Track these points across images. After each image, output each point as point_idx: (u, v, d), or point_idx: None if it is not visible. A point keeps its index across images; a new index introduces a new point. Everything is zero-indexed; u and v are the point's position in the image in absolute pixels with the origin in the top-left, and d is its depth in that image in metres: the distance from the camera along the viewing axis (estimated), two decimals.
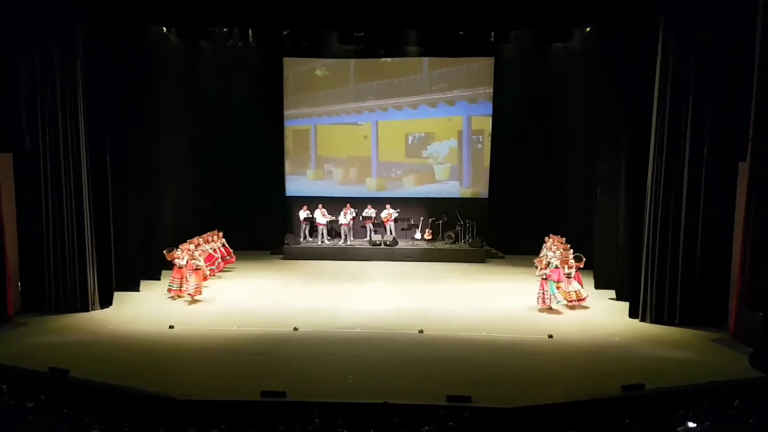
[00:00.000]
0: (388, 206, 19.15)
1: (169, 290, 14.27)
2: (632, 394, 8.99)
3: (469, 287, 15.16)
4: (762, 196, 11.34)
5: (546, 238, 15.71)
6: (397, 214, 19.07)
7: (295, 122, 19.90)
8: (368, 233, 19.14)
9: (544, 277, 13.38)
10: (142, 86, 14.93)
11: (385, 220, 19.07)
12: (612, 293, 14.54)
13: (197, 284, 13.90)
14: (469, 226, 19.05)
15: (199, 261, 14.34)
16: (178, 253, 14.35)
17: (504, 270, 14.56)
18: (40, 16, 12.47)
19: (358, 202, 19.30)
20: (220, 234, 16.85)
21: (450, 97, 19.37)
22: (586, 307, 13.62)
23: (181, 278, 14.17)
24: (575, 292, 13.46)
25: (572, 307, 13.38)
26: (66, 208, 13.02)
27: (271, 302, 14.07)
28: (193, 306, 13.78)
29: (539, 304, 13.38)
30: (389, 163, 19.96)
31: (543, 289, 13.37)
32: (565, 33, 17.57)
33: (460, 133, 19.64)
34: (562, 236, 15.61)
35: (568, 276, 13.50)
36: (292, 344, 11.55)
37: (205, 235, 16.21)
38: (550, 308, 13.32)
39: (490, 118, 19.22)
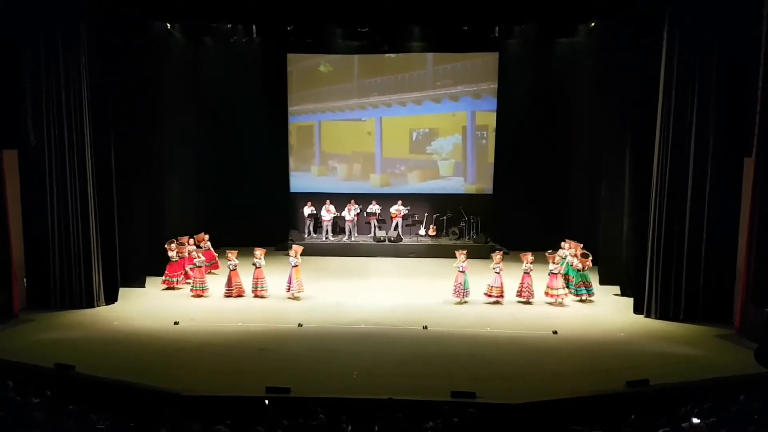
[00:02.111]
0: (399, 202, 19.11)
1: (166, 283, 14.72)
2: (637, 390, 8.99)
3: (473, 283, 15.12)
4: (767, 192, 11.30)
5: (563, 243, 15.08)
6: (406, 212, 19.05)
7: (299, 118, 19.89)
8: (372, 229, 19.14)
9: (461, 269, 13.63)
10: (146, 82, 14.92)
11: (393, 215, 19.06)
12: (617, 289, 14.53)
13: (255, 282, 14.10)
14: (473, 222, 19.02)
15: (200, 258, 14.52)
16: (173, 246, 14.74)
17: (508, 266, 14.49)
18: (44, 12, 12.50)
19: (363, 198, 19.29)
20: (206, 237, 16.12)
21: (454, 93, 19.31)
22: (589, 302, 13.75)
23: (185, 274, 14.60)
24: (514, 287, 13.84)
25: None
26: (71, 205, 13.06)
27: (276, 298, 14.09)
28: (198, 302, 13.83)
29: (456, 296, 13.74)
30: (393, 159, 19.94)
31: (457, 282, 13.72)
32: (569, 28, 17.49)
33: (464, 128, 19.59)
34: (577, 241, 14.98)
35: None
36: (296, 340, 11.58)
37: (181, 239, 15.41)
38: (465, 301, 13.73)
39: (495, 114, 19.17)
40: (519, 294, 13.78)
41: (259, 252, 14.21)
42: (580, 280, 13.92)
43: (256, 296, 14.04)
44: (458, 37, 17.97)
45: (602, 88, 15.59)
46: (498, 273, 13.64)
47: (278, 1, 15.68)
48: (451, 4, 15.72)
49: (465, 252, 13.93)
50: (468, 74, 19.21)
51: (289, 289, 14.00)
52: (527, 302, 13.70)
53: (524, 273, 13.76)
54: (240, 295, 14.08)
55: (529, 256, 13.81)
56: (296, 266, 14.05)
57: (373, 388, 9.14)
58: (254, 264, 14.07)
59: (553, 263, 13.71)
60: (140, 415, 7.90)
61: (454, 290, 13.75)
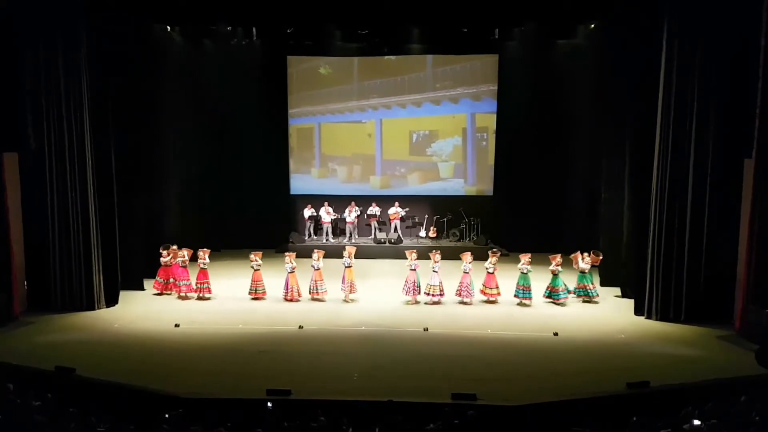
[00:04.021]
0: (396, 204, 19.10)
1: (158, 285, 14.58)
2: (638, 391, 8.98)
3: (474, 285, 15.14)
4: (767, 193, 11.29)
5: (584, 255, 14.38)
6: (404, 213, 19.03)
7: (299, 120, 19.91)
8: (373, 231, 19.11)
9: (412, 268, 13.78)
10: (146, 85, 14.95)
11: (391, 217, 19.05)
12: (617, 290, 14.52)
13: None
14: (473, 224, 19.01)
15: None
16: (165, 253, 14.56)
17: (508, 267, 14.52)
18: (44, 14, 12.50)
19: (363, 200, 19.28)
20: (173, 247, 15.33)
21: (454, 95, 19.33)
22: (594, 303, 13.77)
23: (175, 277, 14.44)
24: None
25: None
26: (71, 207, 13.06)
27: (276, 300, 14.08)
28: (199, 304, 13.83)
29: (405, 294, 13.90)
30: (393, 161, 19.94)
31: (408, 281, 13.84)
32: (569, 30, 17.50)
33: (464, 130, 19.59)
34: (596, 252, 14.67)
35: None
36: (297, 342, 11.58)
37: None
38: (417, 301, 13.86)
39: (495, 116, 19.18)
40: (458, 293, 13.85)
41: (317, 254, 14.27)
42: (581, 282, 13.95)
43: (314, 298, 14.07)
44: (458, 39, 17.99)
45: (602, 89, 15.61)
46: (436, 272, 13.73)
47: (278, 4, 15.70)
48: (450, 6, 15.74)
49: (415, 251, 14.14)
50: (468, 76, 19.21)
51: (344, 290, 14.10)
52: (464, 302, 13.78)
53: (464, 272, 13.82)
54: (294, 299, 14.02)
55: (468, 256, 13.90)
56: (349, 267, 14.15)
57: (374, 390, 9.12)
58: (313, 266, 14.13)
59: (490, 263, 13.79)
60: (140, 417, 7.90)
61: (406, 289, 13.82)
